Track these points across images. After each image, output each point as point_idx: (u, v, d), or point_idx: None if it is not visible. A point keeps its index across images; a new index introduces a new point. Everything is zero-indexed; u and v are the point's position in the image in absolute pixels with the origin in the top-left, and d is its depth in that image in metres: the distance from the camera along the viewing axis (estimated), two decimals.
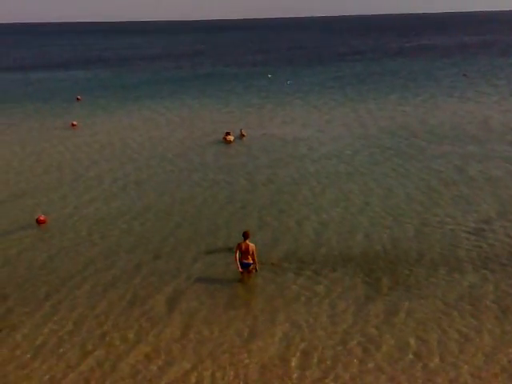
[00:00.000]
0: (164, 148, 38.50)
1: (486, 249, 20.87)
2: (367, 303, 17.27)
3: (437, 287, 18.15)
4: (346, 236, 22.41)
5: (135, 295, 18.13)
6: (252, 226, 23.37)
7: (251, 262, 18.98)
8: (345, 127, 43.78)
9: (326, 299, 17.57)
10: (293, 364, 14.46)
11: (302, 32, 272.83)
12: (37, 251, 21.85)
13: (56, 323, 16.63)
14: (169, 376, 14.12)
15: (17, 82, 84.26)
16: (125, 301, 17.80)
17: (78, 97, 64.09)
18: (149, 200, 27.61)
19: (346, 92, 63.70)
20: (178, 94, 65.42)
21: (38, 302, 17.84)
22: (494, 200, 26.15)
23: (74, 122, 47.73)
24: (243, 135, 41.06)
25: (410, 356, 14.65)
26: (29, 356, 15.10)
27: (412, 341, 15.30)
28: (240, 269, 18.93)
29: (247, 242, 18.94)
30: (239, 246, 18.95)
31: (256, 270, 19.13)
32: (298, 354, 14.85)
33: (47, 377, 14.21)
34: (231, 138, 39.84)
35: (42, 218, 24.77)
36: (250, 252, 18.87)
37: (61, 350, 15.30)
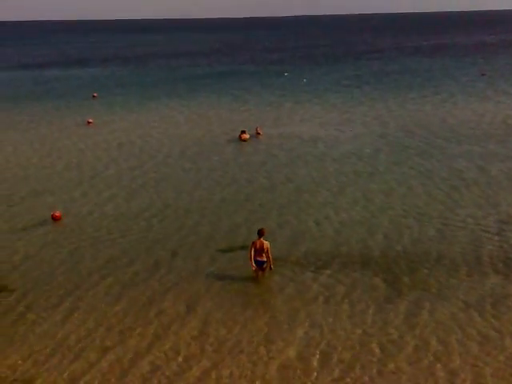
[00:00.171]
0: (182, 146, 38.55)
1: (507, 249, 20.67)
2: (387, 303, 17.15)
3: (457, 288, 17.99)
4: (366, 236, 22.29)
5: (154, 293, 18.15)
6: (271, 224, 23.35)
7: (265, 259, 18.88)
8: (364, 126, 43.59)
9: (346, 299, 17.47)
10: (312, 364, 14.37)
11: (319, 30, 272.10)
12: (57, 248, 21.97)
13: (75, 320, 16.70)
14: (188, 374, 14.10)
15: (35, 79, 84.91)
16: (144, 298, 17.82)
17: (94, 94, 64.51)
18: (167, 198, 27.65)
19: (364, 90, 63.45)
20: (195, 92, 65.50)
21: (58, 299, 17.93)
22: None
23: (90, 120, 48.00)
24: (259, 133, 41.02)
25: (431, 357, 14.52)
26: (48, 352, 15.15)
27: (432, 341, 15.17)
28: (253, 267, 18.87)
29: (262, 239, 18.84)
30: (254, 244, 18.84)
31: (271, 268, 19.02)
32: (318, 353, 14.76)
33: (66, 373, 14.23)
34: (246, 136, 39.84)
35: (56, 215, 24.93)
36: (265, 250, 18.74)
37: (80, 347, 15.33)
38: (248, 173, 31.61)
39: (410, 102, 54.69)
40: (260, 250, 18.75)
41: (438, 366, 14.18)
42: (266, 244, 18.79)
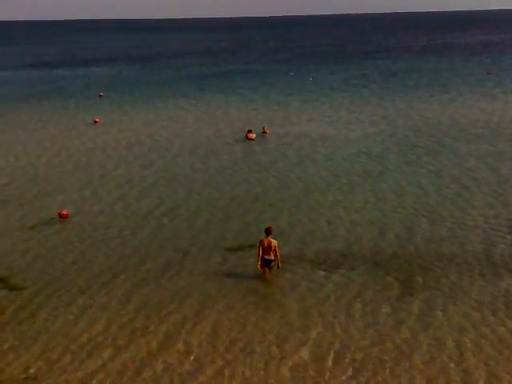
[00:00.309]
0: (192, 145, 38.54)
1: None
2: (399, 303, 17.08)
3: (470, 287, 17.92)
4: (378, 235, 22.23)
5: (165, 292, 18.12)
6: (282, 224, 23.37)
7: (273, 258, 18.83)
8: (373, 125, 43.49)
9: (358, 298, 17.41)
10: (325, 363, 14.31)
11: (325, 30, 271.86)
12: (69, 246, 21.99)
13: (88, 318, 16.69)
14: (201, 373, 14.05)
15: (43, 78, 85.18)
16: (155, 297, 17.80)
17: (101, 93, 64.60)
18: (178, 197, 27.65)
19: (372, 90, 63.34)
20: (202, 91, 65.54)
21: (70, 297, 17.93)
22: None
23: (97, 119, 48.09)
24: (265, 132, 40.99)
25: (444, 356, 14.45)
26: (61, 351, 15.13)
27: (446, 341, 15.10)
28: (259, 265, 18.85)
29: (269, 238, 18.82)
30: (261, 243, 18.83)
31: (278, 267, 18.98)
32: (331, 353, 14.70)
33: (79, 372, 14.19)
34: (253, 135, 39.82)
35: (64, 213, 25.01)
36: (273, 248, 18.72)
37: (92, 346, 15.32)
38: (258, 172, 31.57)
39: (417, 101, 54.54)
40: (268, 249, 18.72)
41: (452, 365, 14.11)
42: (274, 242, 18.77)
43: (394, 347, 14.89)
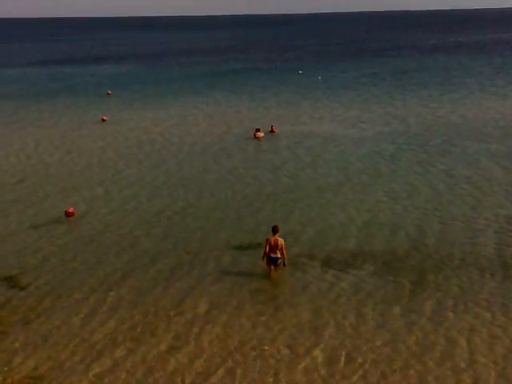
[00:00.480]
0: (203, 144, 38.53)
1: None
2: (411, 303, 17.01)
3: (482, 288, 17.85)
4: (390, 235, 22.15)
5: (176, 291, 18.10)
6: (294, 223, 23.38)
7: (279, 256, 18.83)
8: (384, 124, 43.35)
9: (370, 298, 17.37)
10: (336, 364, 14.28)
11: (335, 28, 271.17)
12: (80, 245, 22.02)
13: (98, 318, 16.70)
14: (212, 374, 14.04)
15: (52, 76, 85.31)
16: (166, 297, 17.78)
17: (109, 91, 64.70)
18: (189, 196, 27.63)
19: (382, 88, 63.16)
20: (212, 90, 65.54)
21: (81, 297, 17.95)
22: None
23: (104, 117, 48.21)
24: (273, 131, 40.93)
25: (456, 356, 14.42)
26: (71, 351, 15.13)
27: (458, 341, 15.08)
28: (265, 264, 18.86)
29: (276, 236, 18.81)
30: (268, 241, 18.82)
31: (284, 265, 18.97)
32: (343, 353, 14.66)
33: (89, 372, 14.17)
34: (261, 134, 39.80)
35: (70, 211, 25.10)
36: (279, 247, 18.72)
37: (103, 346, 15.32)
38: (269, 171, 31.50)
39: (428, 99, 54.37)
40: (274, 247, 18.73)
41: (463, 365, 14.09)
42: (281, 241, 18.78)
43: (405, 348, 14.85)
